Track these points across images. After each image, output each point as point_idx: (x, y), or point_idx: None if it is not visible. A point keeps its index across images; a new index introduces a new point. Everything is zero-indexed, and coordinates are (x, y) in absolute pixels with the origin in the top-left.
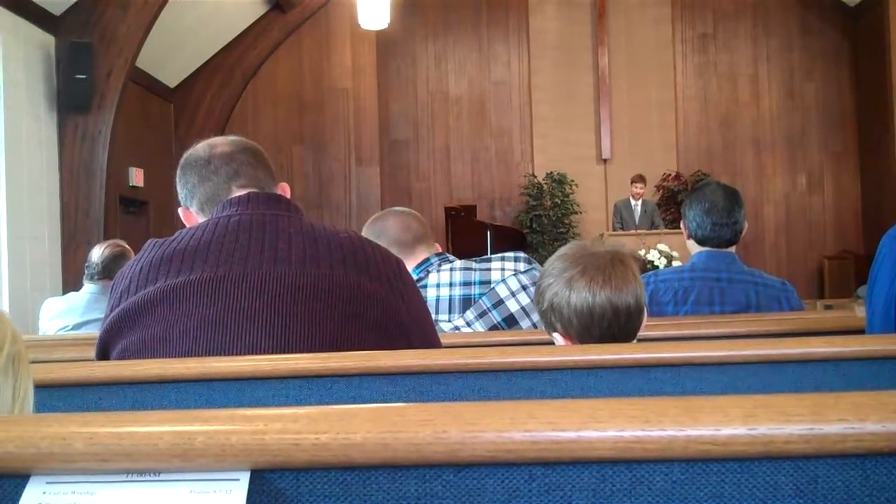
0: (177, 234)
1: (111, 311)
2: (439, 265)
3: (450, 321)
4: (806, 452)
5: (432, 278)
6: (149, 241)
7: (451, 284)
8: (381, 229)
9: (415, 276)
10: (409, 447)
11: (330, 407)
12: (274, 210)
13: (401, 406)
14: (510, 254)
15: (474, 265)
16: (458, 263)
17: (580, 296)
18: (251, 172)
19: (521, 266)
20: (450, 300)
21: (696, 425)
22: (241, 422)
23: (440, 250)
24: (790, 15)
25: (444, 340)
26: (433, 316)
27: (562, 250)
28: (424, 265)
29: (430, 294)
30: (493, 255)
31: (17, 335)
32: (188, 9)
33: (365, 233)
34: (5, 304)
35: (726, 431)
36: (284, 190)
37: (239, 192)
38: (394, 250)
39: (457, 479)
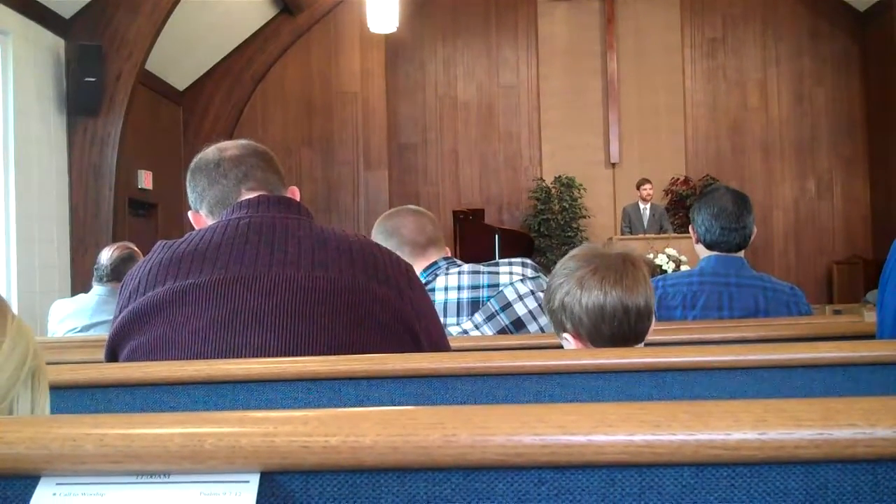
0: (186, 235)
1: (120, 312)
2: (447, 268)
3: (458, 324)
4: (816, 457)
5: (440, 282)
6: (158, 242)
7: (458, 288)
8: (395, 228)
9: (422, 280)
10: (418, 450)
11: (340, 410)
12: (283, 213)
13: (411, 409)
14: (518, 259)
15: (482, 268)
16: (466, 267)
17: (591, 294)
18: (261, 175)
19: (529, 272)
20: (458, 303)
21: (707, 430)
22: (250, 424)
23: (448, 254)
24: (799, 20)
25: (452, 344)
26: (441, 320)
27: (573, 252)
28: (432, 268)
29: (439, 297)
30: (500, 260)
31: (38, 351)
32: (198, 12)
33: (377, 229)
34: (14, 306)
35: (736, 436)
36: (294, 193)
37: (248, 195)
38: (406, 250)
39: (466, 482)
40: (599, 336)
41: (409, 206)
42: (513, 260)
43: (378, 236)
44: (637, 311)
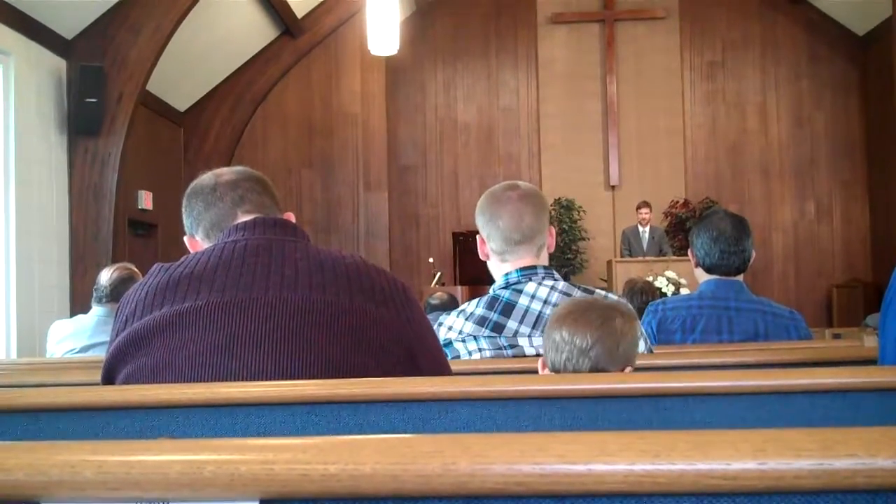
0: (183, 258)
1: (116, 335)
2: (542, 279)
3: (530, 336)
4: (816, 488)
5: (530, 287)
6: (155, 265)
7: (545, 301)
8: (495, 215)
9: (514, 278)
10: (418, 479)
11: (339, 437)
12: (280, 235)
13: (410, 437)
14: (615, 298)
15: (576, 293)
16: (561, 285)
17: (557, 353)
18: (256, 199)
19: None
20: (538, 315)
21: (707, 459)
22: (250, 451)
23: (551, 249)
24: (799, 43)
25: (453, 367)
26: (515, 325)
27: (581, 304)
28: (528, 272)
29: (522, 301)
30: (599, 290)
31: None
32: (199, 33)
33: (483, 206)
34: (13, 326)
35: (736, 466)
36: (290, 218)
37: (245, 218)
38: (498, 242)
39: None
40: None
41: (516, 189)
42: (611, 296)
43: (480, 217)
44: (587, 355)
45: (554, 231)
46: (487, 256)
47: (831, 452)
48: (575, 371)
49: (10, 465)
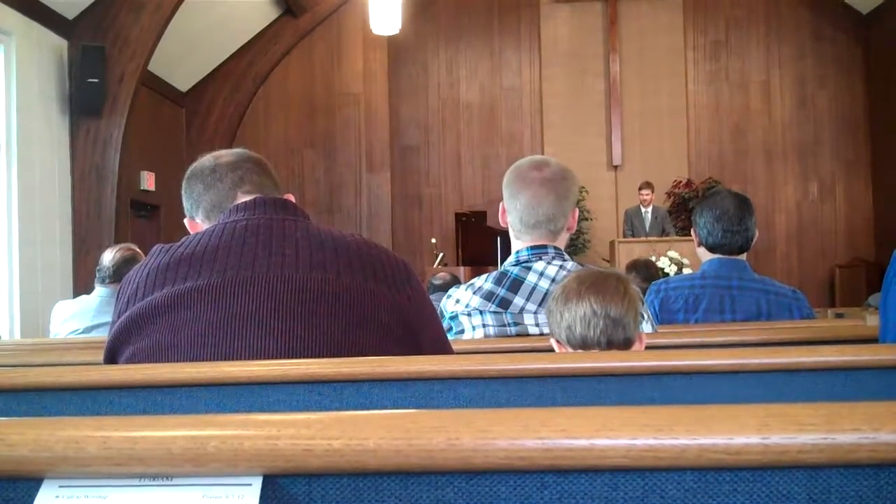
0: (184, 239)
1: (118, 316)
2: (552, 258)
3: (536, 313)
4: (819, 462)
5: (538, 265)
6: (155, 246)
7: (553, 280)
8: (516, 193)
9: (525, 256)
10: (421, 454)
11: (343, 413)
12: (280, 214)
13: (414, 412)
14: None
15: None
16: (570, 265)
17: (570, 302)
18: (256, 179)
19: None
20: (545, 293)
21: (709, 434)
22: (254, 427)
23: (572, 230)
24: (802, 22)
25: (454, 346)
26: (521, 301)
27: (594, 275)
28: (539, 251)
29: (530, 278)
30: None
31: None
32: (200, 13)
33: (508, 179)
34: (16, 306)
35: (739, 440)
36: (290, 199)
37: (245, 198)
38: (514, 222)
39: (469, 486)
40: (572, 336)
41: (543, 169)
42: (623, 277)
43: (505, 189)
44: (610, 318)
45: (577, 212)
46: (507, 226)
47: (835, 427)
48: (609, 342)
49: (14, 441)
